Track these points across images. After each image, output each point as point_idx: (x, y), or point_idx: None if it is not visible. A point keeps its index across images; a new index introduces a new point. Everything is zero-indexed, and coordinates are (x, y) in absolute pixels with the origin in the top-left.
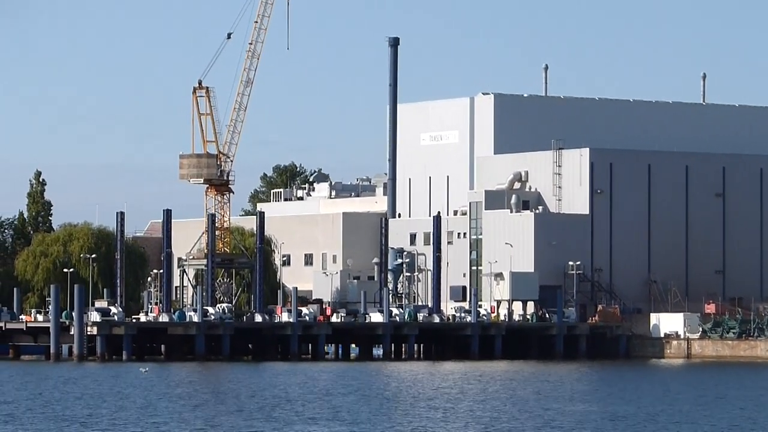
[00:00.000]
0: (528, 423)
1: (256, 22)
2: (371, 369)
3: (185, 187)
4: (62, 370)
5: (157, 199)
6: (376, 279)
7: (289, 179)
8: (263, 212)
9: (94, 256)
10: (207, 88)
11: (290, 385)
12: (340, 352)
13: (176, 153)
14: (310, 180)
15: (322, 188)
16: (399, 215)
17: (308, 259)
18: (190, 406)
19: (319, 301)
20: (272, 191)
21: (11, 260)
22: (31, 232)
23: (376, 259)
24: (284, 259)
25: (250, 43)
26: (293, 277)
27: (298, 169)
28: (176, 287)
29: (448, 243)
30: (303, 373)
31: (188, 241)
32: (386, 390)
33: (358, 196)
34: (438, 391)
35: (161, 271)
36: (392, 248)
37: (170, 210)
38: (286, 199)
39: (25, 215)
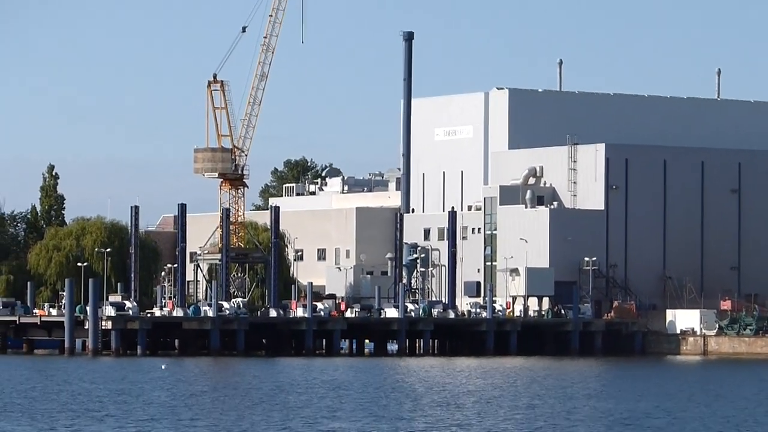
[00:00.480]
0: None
1: (271, 15)
2: (401, 365)
3: (196, 181)
4: (82, 365)
5: (167, 193)
6: (389, 274)
7: (299, 174)
8: (278, 207)
9: (109, 249)
10: (222, 81)
11: (336, 382)
12: (354, 347)
13: (187, 147)
14: (323, 175)
15: (334, 183)
16: (413, 210)
17: (321, 254)
18: (249, 404)
19: (332, 297)
20: (284, 186)
21: (24, 254)
22: (44, 226)
23: (389, 254)
24: (297, 254)
25: (265, 37)
26: (306, 272)
27: (309, 163)
28: (189, 282)
29: (463, 238)
30: (328, 368)
31: (200, 235)
32: (444, 387)
33: (370, 191)
34: (504, 389)
35: (175, 265)
36: (406, 243)
37: (185, 204)
38: (298, 194)
39: (38, 209)
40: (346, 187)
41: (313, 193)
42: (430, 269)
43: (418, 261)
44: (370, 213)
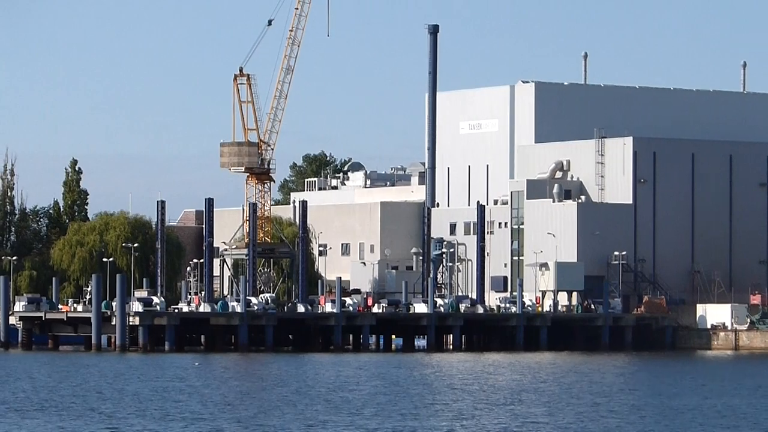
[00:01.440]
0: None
1: (297, 8)
2: (445, 361)
3: (217, 175)
4: (118, 362)
5: (188, 187)
6: (414, 269)
7: (318, 168)
8: (305, 201)
9: (136, 245)
10: (248, 75)
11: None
12: (381, 343)
13: (209, 141)
14: (345, 169)
15: (356, 177)
16: (437, 205)
17: (345, 249)
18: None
19: (357, 291)
20: (306, 181)
21: (46, 249)
22: (67, 221)
23: (414, 249)
24: (321, 248)
25: (291, 30)
26: (329, 267)
27: (328, 158)
28: (214, 277)
29: (489, 233)
30: (368, 364)
31: (223, 230)
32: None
33: (393, 185)
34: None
35: (200, 260)
36: (432, 238)
37: (212, 199)
38: (320, 189)
39: (61, 204)
40: (368, 182)
41: (335, 188)
42: (456, 264)
43: (445, 256)
44: (395, 207)
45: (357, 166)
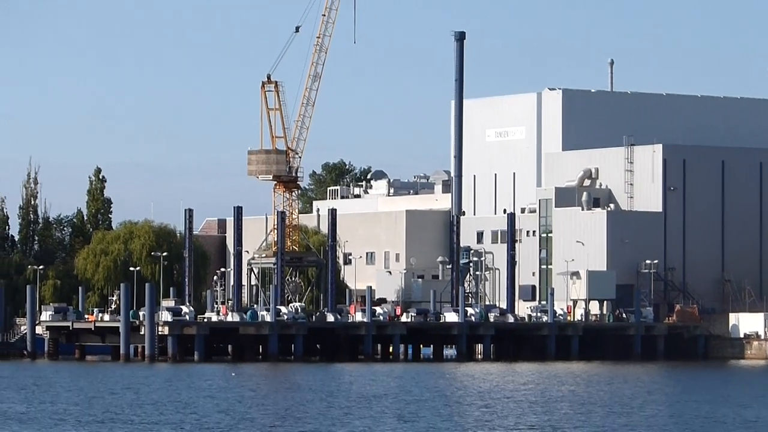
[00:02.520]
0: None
1: (324, 15)
2: (488, 371)
3: (240, 184)
4: (154, 373)
5: (209, 196)
6: (440, 278)
7: (337, 177)
8: (335, 209)
9: (165, 253)
10: (276, 82)
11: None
12: (409, 352)
13: (233, 149)
14: (368, 177)
15: (379, 186)
16: (463, 213)
17: (370, 258)
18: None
19: (383, 300)
20: (328, 189)
21: (70, 258)
22: (90, 229)
23: (441, 258)
24: (347, 257)
25: (318, 37)
26: (355, 276)
27: (347, 166)
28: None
29: (518, 241)
30: (406, 374)
31: (246, 239)
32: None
33: (416, 193)
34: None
35: (228, 269)
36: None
37: (241, 207)
38: (342, 197)
39: (84, 213)
40: (391, 190)
41: (358, 196)
42: (483, 273)
43: (471, 264)
44: (420, 216)
45: (380, 174)
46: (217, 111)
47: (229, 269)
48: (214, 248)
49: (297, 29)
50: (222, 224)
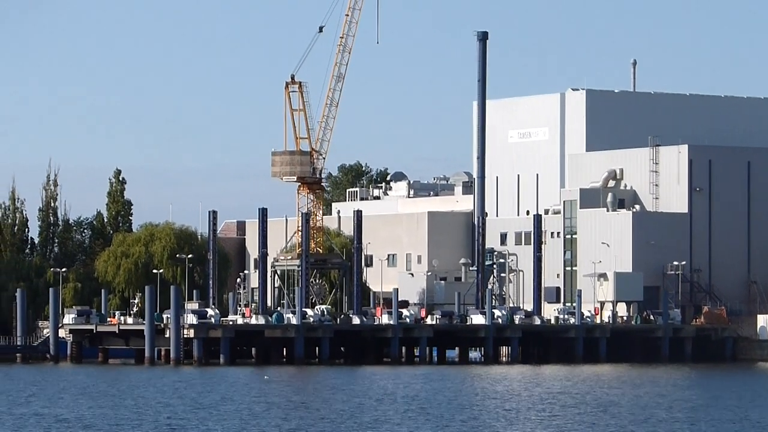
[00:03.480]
0: None
1: (347, 15)
2: (524, 374)
3: (260, 185)
4: (188, 376)
5: (227, 198)
6: (463, 280)
7: (354, 179)
8: (360, 211)
9: (191, 256)
10: (300, 83)
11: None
12: (434, 355)
13: (258, 151)
14: (387, 179)
15: (399, 187)
16: (486, 214)
17: (392, 260)
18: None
19: (406, 303)
20: (347, 191)
21: (90, 261)
22: (111, 232)
23: (463, 260)
24: (374, 259)
25: (341, 37)
26: (377, 278)
27: (363, 168)
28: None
29: (543, 243)
30: (448, 376)
31: (270, 241)
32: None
33: (437, 195)
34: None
35: (252, 271)
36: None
37: (266, 209)
38: (362, 199)
39: (104, 215)
40: (411, 192)
41: (378, 198)
42: (507, 274)
43: (495, 266)
44: (442, 217)
45: (399, 176)
46: (241, 112)
47: (248, 272)
48: (233, 251)
49: (321, 29)
50: (241, 226)
